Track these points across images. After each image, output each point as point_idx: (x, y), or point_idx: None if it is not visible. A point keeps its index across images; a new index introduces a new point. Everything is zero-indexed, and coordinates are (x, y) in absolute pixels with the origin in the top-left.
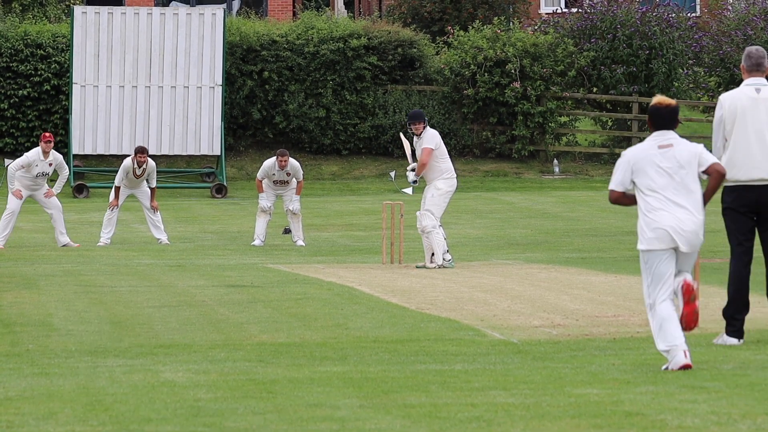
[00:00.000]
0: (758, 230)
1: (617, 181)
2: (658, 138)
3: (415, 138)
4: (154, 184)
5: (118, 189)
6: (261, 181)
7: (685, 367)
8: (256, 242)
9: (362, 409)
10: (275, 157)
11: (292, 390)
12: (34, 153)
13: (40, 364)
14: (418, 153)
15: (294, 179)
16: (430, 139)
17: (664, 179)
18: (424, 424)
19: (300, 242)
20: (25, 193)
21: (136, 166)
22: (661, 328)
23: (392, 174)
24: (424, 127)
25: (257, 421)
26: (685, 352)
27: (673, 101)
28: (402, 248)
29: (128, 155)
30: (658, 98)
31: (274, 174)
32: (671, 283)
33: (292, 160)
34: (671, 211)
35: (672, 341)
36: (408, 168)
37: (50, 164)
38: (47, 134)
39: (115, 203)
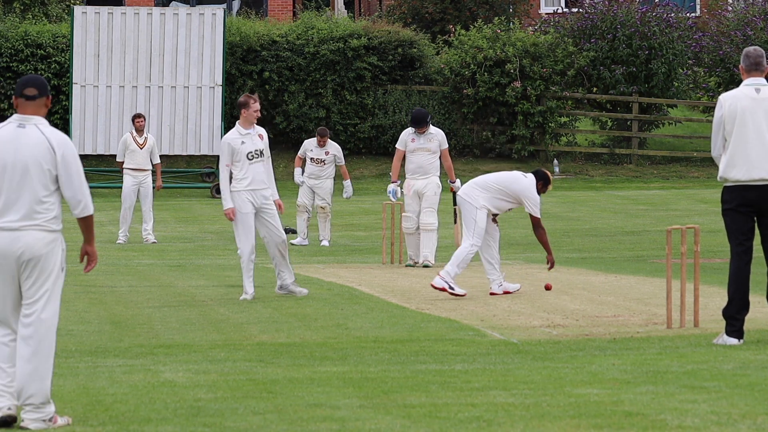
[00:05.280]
0: (759, 230)
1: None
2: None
3: (414, 137)
4: (157, 160)
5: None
6: (301, 158)
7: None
8: (297, 240)
9: (362, 409)
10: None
11: (292, 390)
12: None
13: None
14: (423, 148)
15: (333, 160)
16: (444, 139)
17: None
18: (424, 424)
19: (325, 242)
20: None
21: (135, 134)
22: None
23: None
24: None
25: (257, 421)
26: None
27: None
28: (402, 248)
29: None
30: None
31: (312, 150)
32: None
33: (332, 141)
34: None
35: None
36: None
37: None
38: None
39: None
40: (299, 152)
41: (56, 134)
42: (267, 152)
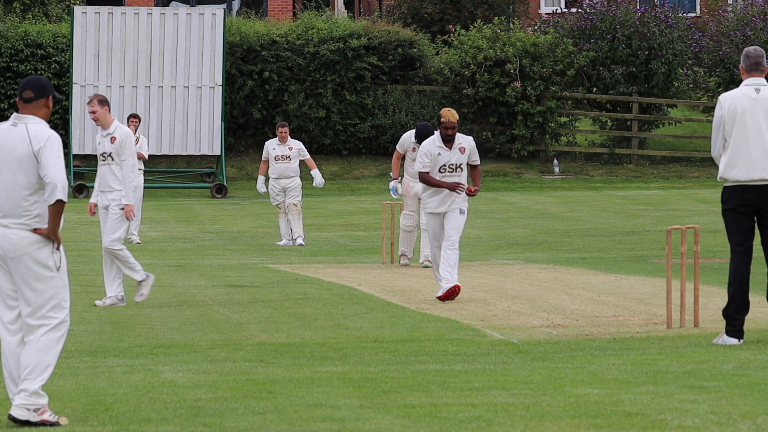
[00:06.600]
0: (759, 230)
1: None
2: None
3: (416, 147)
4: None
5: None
6: (265, 162)
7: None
8: (281, 242)
9: (362, 409)
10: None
11: (292, 390)
12: None
13: None
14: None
15: (297, 155)
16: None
17: None
18: (424, 424)
19: (300, 240)
20: None
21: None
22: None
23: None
24: None
25: (257, 421)
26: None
27: None
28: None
29: None
30: None
31: (274, 149)
32: None
33: (292, 138)
34: None
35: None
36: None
37: None
38: None
39: None
40: (263, 156)
41: (40, 130)
42: (122, 155)
